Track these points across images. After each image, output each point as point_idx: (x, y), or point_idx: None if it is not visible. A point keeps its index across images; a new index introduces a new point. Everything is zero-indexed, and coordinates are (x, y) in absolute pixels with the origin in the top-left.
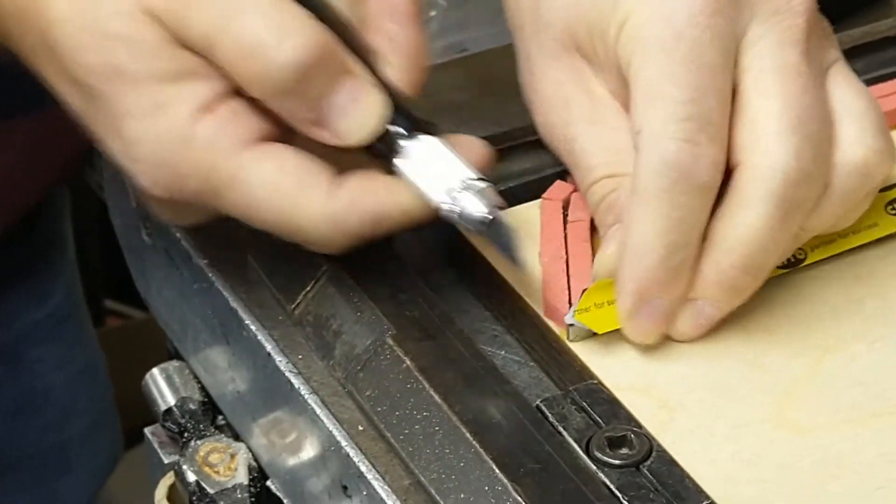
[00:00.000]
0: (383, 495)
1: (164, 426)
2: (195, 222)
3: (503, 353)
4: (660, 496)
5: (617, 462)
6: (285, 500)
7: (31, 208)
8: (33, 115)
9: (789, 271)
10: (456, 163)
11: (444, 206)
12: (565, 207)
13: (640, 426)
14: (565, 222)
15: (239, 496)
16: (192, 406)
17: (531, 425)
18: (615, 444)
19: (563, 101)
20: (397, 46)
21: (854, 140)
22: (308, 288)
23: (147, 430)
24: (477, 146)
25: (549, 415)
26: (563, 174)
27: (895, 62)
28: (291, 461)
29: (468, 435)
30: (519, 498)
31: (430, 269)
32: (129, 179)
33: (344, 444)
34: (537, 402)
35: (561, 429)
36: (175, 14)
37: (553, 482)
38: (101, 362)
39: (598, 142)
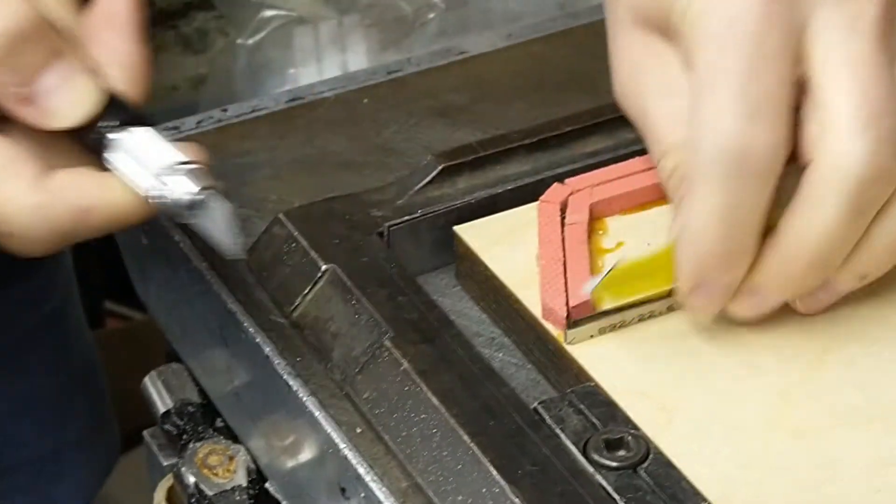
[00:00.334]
0: (381, 497)
1: (162, 428)
2: None
3: (501, 355)
4: (657, 498)
5: (614, 464)
6: (284, 502)
7: None
8: None
9: None
10: (167, 149)
11: (153, 193)
12: (563, 210)
13: (637, 428)
14: (563, 225)
15: (238, 498)
16: (190, 408)
17: (529, 427)
18: (612, 446)
19: (637, 72)
20: (117, 58)
21: None
22: (306, 290)
23: (146, 433)
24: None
25: (547, 417)
26: (561, 177)
27: None
28: (290, 463)
29: (466, 437)
30: (516, 500)
31: (428, 272)
32: None
33: (342, 446)
34: (535, 405)
35: (558, 431)
36: None
37: (550, 484)
38: (98, 366)
39: (669, 114)
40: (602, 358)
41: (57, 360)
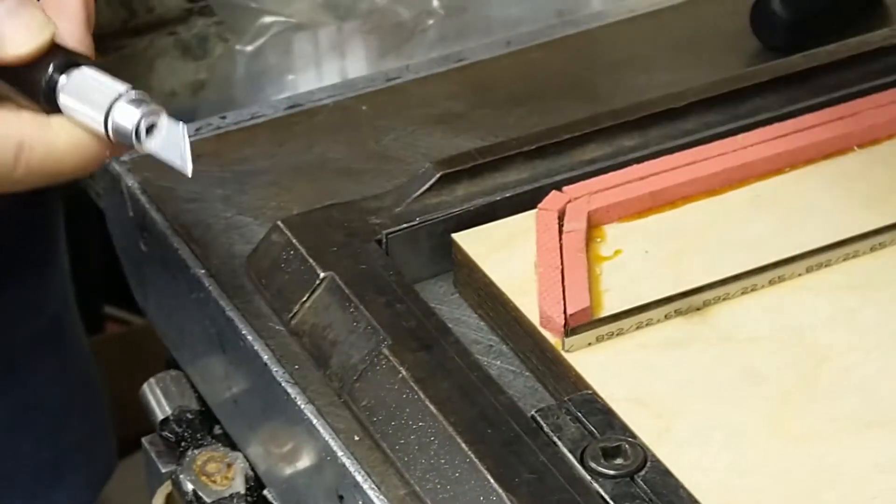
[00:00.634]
0: None
1: (161, 435)
2: None
3: (499, 363)
4: None
5: (611, 472)
6: None
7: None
8: None
9: (785, 281)
10: (110, 83)
11: (104, 127)
12: (561, 218)
13: (634, 436)
14: (561, 233)
15: None
16: (189, 415)
17: (526, 435)
18: (610, 454)
19: None
20: (63, 10)
21: None
22: (305, 298)
23: (144, 440)
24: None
25: (545, 425)
26: (559, 185)
27: (891, 72)
28: (288, 470)
29: (463, 445)
30: None
31: (426, 280)
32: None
33: (340, 453)
34: (532, 413)
35: (556, 439)
36: None
37: (548, 492)
38: (96, 375)
39: None
40: (600, 366)
41: (55, 370)
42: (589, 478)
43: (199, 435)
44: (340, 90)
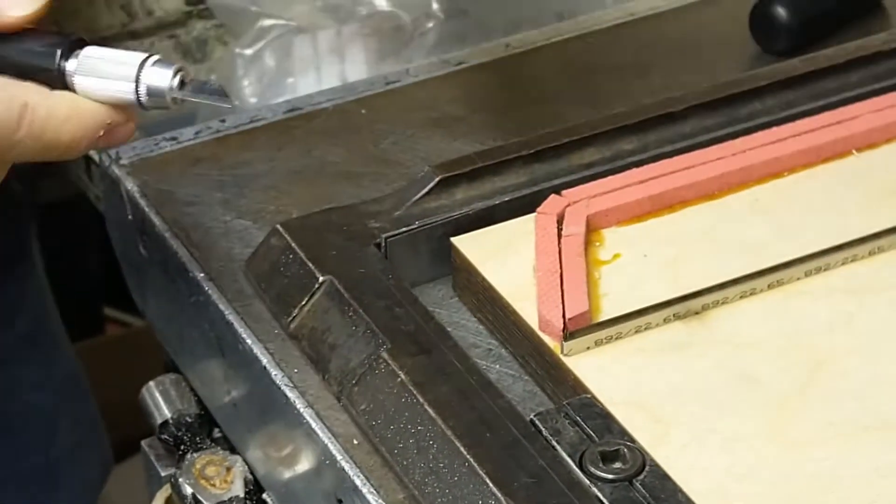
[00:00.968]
0: None
1: (160, 439)
2: None
3: (498, 366)
4: None
5: (610, 476)
6: None
7: None
8: None
9: (783, 285)
10: (122, 56)
11: (135, 96)
12: (560, 222)
13: (633, 440)
14: (560, 236)
15: None
16: (188, 419)
17: (525, 439)
18: (608, 458)
19: None
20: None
21: None
22: (304, 301)
23: (144, 443)
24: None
25: (543, 429)
26: (558, 189)
27: (889, 76)
28: (287, 474)
29: (462, 449)
30: None
31: (425, 283)
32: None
33: (339, 457)
34: (531, 417)
35: (554, 443)
36: None
37: (546, 496)
38: (84, 382)
39: None
40: (598, 369)
41: (39, 377)
42: (588, 482)
43: (198, 438)
44: (340, 94)
